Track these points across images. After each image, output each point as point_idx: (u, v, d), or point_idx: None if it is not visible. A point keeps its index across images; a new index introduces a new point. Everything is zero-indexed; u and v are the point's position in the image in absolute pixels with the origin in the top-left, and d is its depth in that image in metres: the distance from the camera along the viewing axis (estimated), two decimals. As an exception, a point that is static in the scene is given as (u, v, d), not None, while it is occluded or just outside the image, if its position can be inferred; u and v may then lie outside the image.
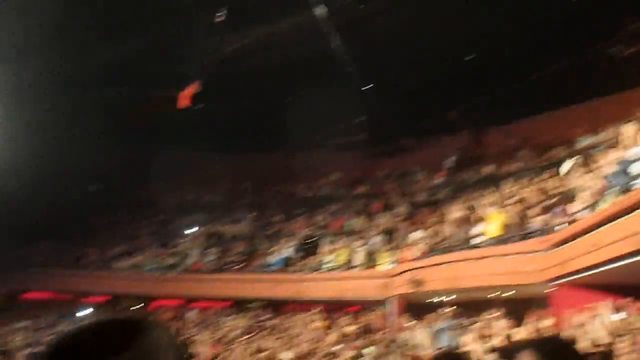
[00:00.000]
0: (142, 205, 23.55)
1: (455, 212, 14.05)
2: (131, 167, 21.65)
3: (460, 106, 18.01)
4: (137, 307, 18.96)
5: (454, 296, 12.65)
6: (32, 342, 11.31)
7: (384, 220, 16.87)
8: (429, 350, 10.05)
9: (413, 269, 13.06)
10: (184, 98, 16.30)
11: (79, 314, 18.58)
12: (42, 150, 18.03)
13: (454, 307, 12.02)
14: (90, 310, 19.01)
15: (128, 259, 20.77)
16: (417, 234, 14.46)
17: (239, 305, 17.40)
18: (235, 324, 14.96)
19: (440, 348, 9.76)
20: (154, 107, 18.12)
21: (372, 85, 17.97)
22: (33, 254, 21.34)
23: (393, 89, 17.85)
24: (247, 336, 12.32)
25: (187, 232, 21.61)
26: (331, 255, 16.21)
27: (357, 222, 17.73)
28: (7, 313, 18.40)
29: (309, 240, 17.75)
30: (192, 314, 17.42)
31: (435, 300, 13.08)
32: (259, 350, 10.14)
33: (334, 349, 10.34)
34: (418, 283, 12.57)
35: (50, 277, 20.37)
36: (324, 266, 16.11)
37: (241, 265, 18.60)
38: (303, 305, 15.85)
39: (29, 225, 20.49)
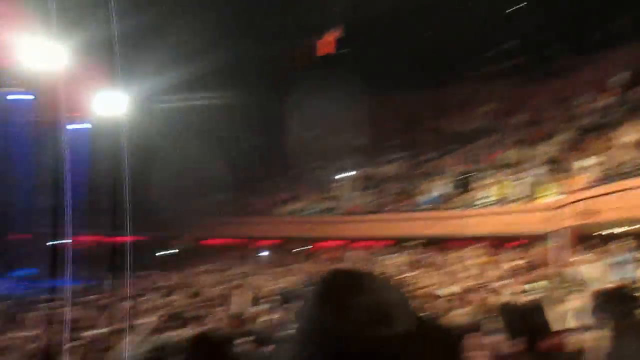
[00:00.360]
0: (296, 154, 24.65)
1: (631, 134, 12.62)
2: (287, 117, 22.63)
3: (627, 14, 15.77)
4: (303, 248, 20.25)
5: (631, 226, 11.54)
6: (218, 282, 12.70)
7: (546, 149, 15.76)
8: (599, 285, 9.39)
9: (583, 199, 12.11)
10: (325, 45, 16.44)
11: (253, 256, 20.38)
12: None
13: (631, 238, 10.97)
14: (263, 252, 20.70)
15: (292, 204, 22.08)
16: (586, 161, 13.29)
17: (399, 243, 17.71)
18: (396, 261, 15.30)
19: (614, 282, 9.05)
20: (299, 58, 18.57)
21: (523, 3, 16.47)
22: (211, 205, 23.62)
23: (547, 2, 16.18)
24: (408, 273, 12.56)
25: (342, 176, 22.28)
26: (488, 189, 15.65)
27: (515, 154, 16.80)
28: (193, 258, 20.76)
29: (465, 176, 17.29)
30: (353, 254, 18.15)
31: (609, 231, 12.06)
32: (421, 287, 10.31)
33: (497, 284, 10.12)
34: (589, 214, 11.65)
35: (226, 225, 22.47)
36: (481, 201, 15.64)
37: (398, 204, 18.80)
38: (464, 241, 15.66)
39: (206, 179, 22.67)
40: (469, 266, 13.00)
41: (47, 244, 13.95)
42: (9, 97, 16.25)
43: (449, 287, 10.33)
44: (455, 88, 21.57)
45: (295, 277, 13.21)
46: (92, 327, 6.01)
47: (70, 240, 19.02)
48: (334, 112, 24.33)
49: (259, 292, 10.15)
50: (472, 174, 17.04)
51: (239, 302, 7.22)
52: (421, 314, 0.78)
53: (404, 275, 12.16)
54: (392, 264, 14.86)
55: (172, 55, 17.14)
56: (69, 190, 17.89)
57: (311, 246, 20.45)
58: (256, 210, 22.88)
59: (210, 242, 22.99)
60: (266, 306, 7.60)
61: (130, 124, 15.47)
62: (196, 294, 9.60)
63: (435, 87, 21.82)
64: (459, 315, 6.73)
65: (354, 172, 22.08)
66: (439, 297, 8.68)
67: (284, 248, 20.87)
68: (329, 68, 18.91)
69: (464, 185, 16.93)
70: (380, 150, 22.72)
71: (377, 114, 23.59)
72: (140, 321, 4.25)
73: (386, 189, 19.94)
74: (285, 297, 8.19)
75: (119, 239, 20.40)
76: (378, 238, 18.63)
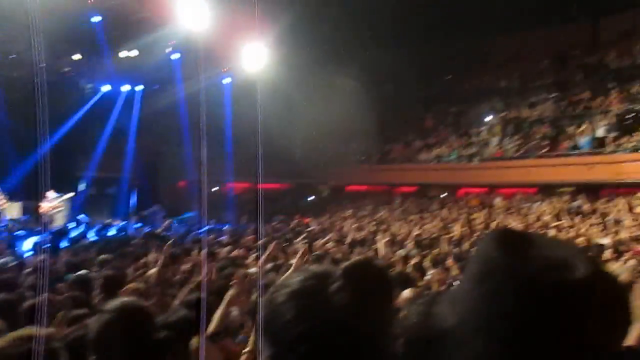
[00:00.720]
0: (436, 98, 23.99)
1: None
2: (419, 62, 21.99)
3: None
4: (443, 195, 19.98)
5: None
6: (360, 227, 13.08)
7: None
8: None
9: None
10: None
11: (394, 203, 20.56)
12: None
13: None
14: (403, 199, 20.79)
15: (431, 150, 21.75)
16: None
17: (547, 190, 16.76)
18: (544, 209, 14.52)
19: None
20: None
21: None
22: (351, 152, 24.09)
23: None
24: (557, 222, 11.88)
25: (485, 119, 21.35)
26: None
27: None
28: (335, 204, 21.50)
29: (626, 116, 15.67)
30: (497, 201, 17.53)
31: None
32: (572, 237, 9.72)
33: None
34: None
35: (367, 172, 22.83)
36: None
37: (546, 149, 17.67)
38: (619, 189, 14.39)
39: (347, 127, 23.09)
40: (627, 215, 11.96)
41: (204, 190, 15.37)
42: (172, 56, 17.66)
43: (602, 238, 9.63)
44: (611, 20, 19.32)
45: (434, 224, 13.15)
46: (245, 266, 6.58)
47: (223, 187, 20.76)
48: (474, 52, 23.17)
49: (400, 238, 10.31)
50: (631, 115, 15.39)
51: (382, 247, 7.42)
52: (593, 263, 0.78)
53: (551, 225, 11.54)
54: (538, 213, 14.14)
55: (312, 9, 17.36)
56: (226, 141, 19.38)
57: (449, 193, 20.11)
58: (397, 157, 22.91)
59: (352, 188, 23.57)
60: (410, 251, 7.73)
61: (272, 76, 16.11)
62: (340, 239, 10.01)
63: (589, 19, 19.72)
64: (615, 268, 6.30)
65: (498, 115, 21.03)
66: (590, 248, 8.16)
67: (424, 195, 20.76)
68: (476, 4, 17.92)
69: (621, 128, 15.38)
70: (527, 90, 21.28)
71: (523, 51, 22.01)
72: (289, 263, 4.60)
73: (533, 133, 18.78)
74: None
75: (265, 185, 21.78)
76: (523, 185, 17.78)
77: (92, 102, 19.59)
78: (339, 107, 19.82)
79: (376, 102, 22.38)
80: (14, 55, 16.11)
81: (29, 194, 15.83)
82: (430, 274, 5.98)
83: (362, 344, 0.92)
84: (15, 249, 10.51)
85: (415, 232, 10.99)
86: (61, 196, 15.71)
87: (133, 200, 19.11)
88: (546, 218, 12.91)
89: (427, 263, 6.76)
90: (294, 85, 18.60)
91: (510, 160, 18.40)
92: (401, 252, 7.47)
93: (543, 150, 17.74)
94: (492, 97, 21.95)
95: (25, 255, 8.88)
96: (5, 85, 16.26)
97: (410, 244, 8.87)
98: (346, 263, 1.01)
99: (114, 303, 1.98)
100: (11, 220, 14.29)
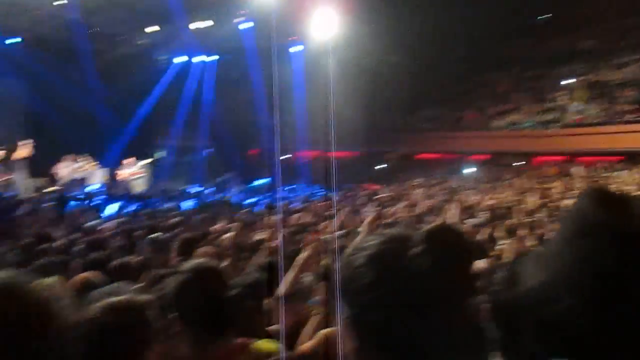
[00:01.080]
0: (512, 61, 22.95)
1: None
2: (494, 23, 21.03)
3: None
4: (518, 164, 19.28)
5: None
6: (430, 195, 12.90)
7: None
8: None
9: None
10: None
11: (466, 171, 20.10)
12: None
13: None
14: (473, 168, 20.29)
15: (505, 117, 20.97)
16: None
17: (633, 158, 15.80)
18: (627, 179, 13.72)
19: None
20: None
21: None
22: (422, 119, 23.65)
23: None
24: (642, 192, 11.21)
25: (565, 83, 20.25)
26: None
27: None
28: (406, 172, 21.28)
29: None
30: (577, 170, 16.71)
31: None
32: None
33: None
34: None
35: (439, 139, 22.35)
36: None
37: (634, 114, 16.59)
38: None
39: (418, 94, 22.69)
40: None
41: (277, 157, 15.67)
42: (240, 26, 17.88)
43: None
44: None
45: (508, 193, 12.77)
46: (317, 232, 6.68)
47: (294, 155, 21.03)
48: (551, 10, 21.87)
49: (471, 207, 10.10)
50: None
51: (453, 216, 7.31)
52: None
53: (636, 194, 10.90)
54: (621, 182, 13.37)
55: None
56: (298, 109, 19.57)
57: (525, 161, 19.38)
58: (469, 124, 22.27)
59: (423, 156, 23.23)
60: (482, 221, 7.58)
61: (342, 44, 15.96)
62: (411, 206, 9.93)
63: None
64: None
65: (579, 79, 19.88)
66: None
67: (498, 163, 20.13)
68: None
69: None
70: (609, 52, 19.91)
71: (607, 8, 20.51)
72: (358, 230, 4.62)
73: (618, 97, 17.64)
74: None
75: (335, 153, 21.85)
76: (605, 153, 16.84)
77: (170, 73, 20.30)
78: (409, 74, 19.44)
79: (448, 66, 21.72)
80: (95, 29, 16.88)
81: (112, 162, 16.76)
82: (502, 244, 5.84)
83: (442, 309, 0.92)
84: (100, 213, 11.21)
85: (488, 201, 10.72)
86: (140, 163, 16.53)
87: (208, 167, 19.80)
88: (630, 187, 12.19)
89: (499, 233, 6.60)
90: (365, 53, 18.36)
91: (593, 126, 17.44)
92: (472, 222, 7.33)
93: (629, 116, 16.68)
94: (573, 60, 20.73)
95: (110, 219, 9.45)
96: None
97: (482, 214, 8.68)
98: (427, 227, 1.01)
99: (189, 264, 2.09)
100: (94, 186, 15.22)
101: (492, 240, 6.22)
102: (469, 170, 20.17)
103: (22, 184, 13.62)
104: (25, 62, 16.87)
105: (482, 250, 4.76)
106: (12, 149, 14.18)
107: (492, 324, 1.19)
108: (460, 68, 22.03)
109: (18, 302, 0.80)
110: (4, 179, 13.56)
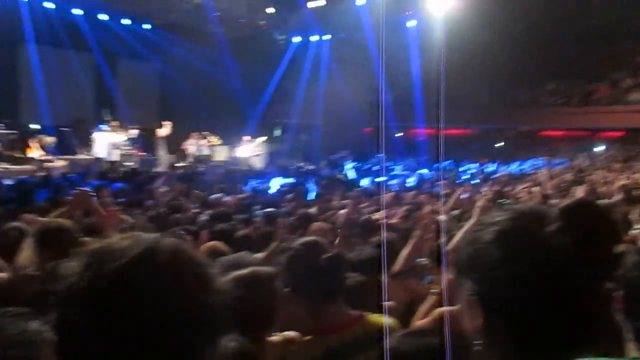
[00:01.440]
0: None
1: None
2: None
3: None
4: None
5: None
6: (554, 175, 12.16)
7: None
8: None
9: None
10: None
11: (593, 150, 18.70)
12: None
13: None
14: (602, 146, 18.84)
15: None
16: None
17: None
18: None
19: None
20: None
21: None
22: (548, 93, 22.22)
23: None
24: None
25: None
26: None
27: None
28: (526, 149, 20.18)
29: None
30: None
31: None
32: None
33: None
34: None
35: (564, 115, 20.88)
36: None
37: None
38: None
39: (541, 67, 21.30)
40: None
41: (382, 134, 15.59)
42: (358, 2, 17.87)
43: None
44: None
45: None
46: (431, 211, 6.58)
47: (408, 132, 20.76)
48: None
49: (602, 188, 9.37)
50: None
51: (583, 197, 6.86)
52: None
53: None
54: None
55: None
56: (412, 86, 19.28)
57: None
58: (601, 98, 20.56)
59: (547, 133, 21.90)
60: (613, 202, 7.03)
61: (458, 17, 15.34)
62: (534, 187, 9.41)
63: None
64: None
65: None
66: None
67: (632, 141, 18.45)
68: None
69: None
70: None
71: None
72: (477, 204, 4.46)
73: None
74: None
75: (452, 131, 21.27)
76: None
77: (288, 53, 20.87)
78: (529, 46, 18.30)
79: (576, 37, 20.13)
80: (218, 13, 17.73)
81: (233, 139, 17.63)
82: (637, 227, 5.38)
83: (579, 291, 0.87)
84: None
85: (621, 181, 9.87)
86: (258, 141, 17.28)
87: (322, 145, 20.16)
88: None
89: (634, 216, 6.08)
90: (481, 26, 17.52)
91: None
92: (603, 203, 6.81)
93: None
94: None
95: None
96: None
97: (614, 195, 8.03)
98: (566, 203, 0.96)
99: (301, 239, 2.18)
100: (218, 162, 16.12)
101: (627, 223, 5.75)
102: (599, 149, 18.74)
103: (163, 159, 14.96)
104: (160, 46, 18.26)
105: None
106: (149, 128, 15.59)
107: (625, 312, 1.12)
108: (590, 38, 20.28)
109: (188, 262, 0.87)
110: (140, 154, 15.01)
